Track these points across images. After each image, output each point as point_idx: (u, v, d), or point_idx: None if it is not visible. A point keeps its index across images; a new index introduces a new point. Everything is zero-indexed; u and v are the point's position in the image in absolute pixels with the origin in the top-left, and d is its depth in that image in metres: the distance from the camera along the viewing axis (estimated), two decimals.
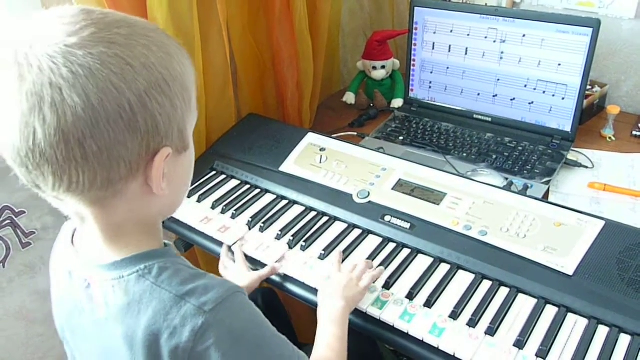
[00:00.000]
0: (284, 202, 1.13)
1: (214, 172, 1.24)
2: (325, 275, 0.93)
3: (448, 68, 1.39)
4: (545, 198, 1.12)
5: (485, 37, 1.31)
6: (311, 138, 1.25)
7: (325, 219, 1.08)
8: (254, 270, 0.99)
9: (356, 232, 1.04)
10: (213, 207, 1.14)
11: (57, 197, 0.57)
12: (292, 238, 1.02)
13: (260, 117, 1.37)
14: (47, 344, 1.27)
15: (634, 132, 1.31)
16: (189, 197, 1.16)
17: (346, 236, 1.03)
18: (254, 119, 1.36)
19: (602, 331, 0.79)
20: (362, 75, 1.57)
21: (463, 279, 0.91)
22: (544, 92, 1.27)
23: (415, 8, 1.38)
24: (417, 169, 1.11)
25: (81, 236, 0.67)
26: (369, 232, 1.03)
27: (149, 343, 0.59)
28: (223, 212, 1.12)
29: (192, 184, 1.15)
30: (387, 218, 1.03)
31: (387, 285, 0.91)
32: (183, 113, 0.59)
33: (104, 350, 0.65)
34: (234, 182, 1.21)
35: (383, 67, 1.52)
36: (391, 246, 0.99)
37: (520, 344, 0.78)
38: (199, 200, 1.16)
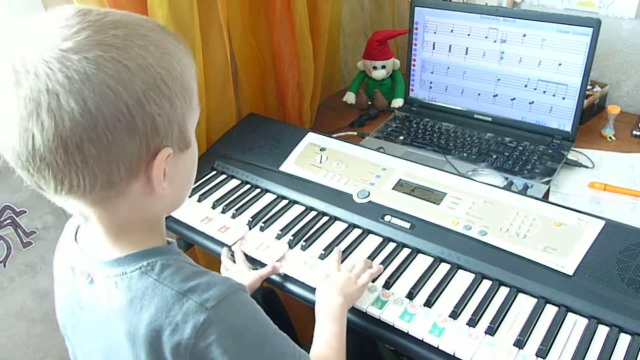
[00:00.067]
0: (284, 201, 1.13)
1: (214, 172, 1.24)
2: (324, 273, 0.93)
3: (448, 68, 1.40)
4: (545, 198, 1.12)
5: (486, 37, 1.31)
6: (311, 138, 1.25)
7: (325, 218, 1.08)
8: (254, 270, 0.99)
9: (356, 232, 1.04)
10: (213, 207, 1.14)
11: (59, 198, 0.58)
12: (292, 238, 1.02)
13: (260, 117, 1.38)
14: (47, 343, 1.27)
15: (634, 132, 1.31)
16: (189, 196, 1.16)
17: (346, 236, 1.03)
18: (255, 119, 1.36)
19: (602, 331, 0.79)
20: (363, 75, 1.57)
21: (463, 278, 0.91)
22: (544, 92, 1.27)
23: (416, 8, 1.38)
24: (418, 168, 1.12)
25: (85, 233, 0.68)
26: (369, 231, 1.03)
27: (151, 339, 0.59)
28: (223, 211, 1.12)
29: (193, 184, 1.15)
30: (387, 218, 1.03)
31: (387, 285, 0.91)
32: (183, 112, 0.58)
33: (105, 346, 0.66)
34: (234, 182, 1.21)
35: (383, 67, 1.52)
36: (391, 246, 0.99)
37: (520, 343, 0.79)
38: (199, 200, 1.16)
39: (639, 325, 0.78)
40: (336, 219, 1.07)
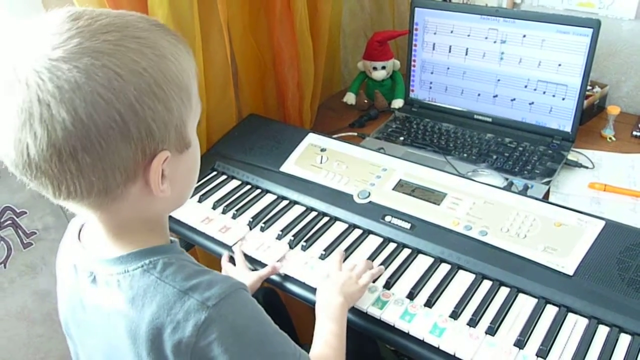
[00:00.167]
0: (285, 202, 1.13)
1: (214, 173, 1.24)
2: (325, 273, 0.93)
3: (448, 68, 1.40)
4: (545, 198, 1.12)
5: (486, 38, 1.31)
6: (312, 138, 1.25)
7: (325, 219, 1.08)
8: (254, 270, 0.99)
9: (357, 232, 1.04)
10: (214, 208, 1.14)
11: (59, 202, 0.58)
12: (292, 238, 1.02)
13: (260, 118, 1.38)
14: (48, 344, 1.27)
15: (634, 133, 1.31)
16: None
17: (347, 236, 1.03)
18: (255, 120, 1.36)
19: (602, 331, 0.80)
20: (363, 75, 1.57)
21: (463, 279, 0.91)
22: (544, 93, 1.27)
23: (416, 9, 1.39)
24: (418, 169, 1.12)
25: (88, 232, 0.68)
26: (370, 232, 1.03)
27: (152, 337, 0.59)
28: (224, 212, 1.12)
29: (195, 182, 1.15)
30: (388, 218, 1.03)
31: (388, 285, 0.91)
32: (181, 113, 0.57)
33: (107, 344, 0.66)
34: (234, 183, 1.21)
35: (383, 67, 1.52)
36: (392, 246, 1.00)
37: (520, 343, 0.79)
38: (200, 201, 1.16)
39: (639, 325, 0.78)
40: (336, 219, 1.07)
